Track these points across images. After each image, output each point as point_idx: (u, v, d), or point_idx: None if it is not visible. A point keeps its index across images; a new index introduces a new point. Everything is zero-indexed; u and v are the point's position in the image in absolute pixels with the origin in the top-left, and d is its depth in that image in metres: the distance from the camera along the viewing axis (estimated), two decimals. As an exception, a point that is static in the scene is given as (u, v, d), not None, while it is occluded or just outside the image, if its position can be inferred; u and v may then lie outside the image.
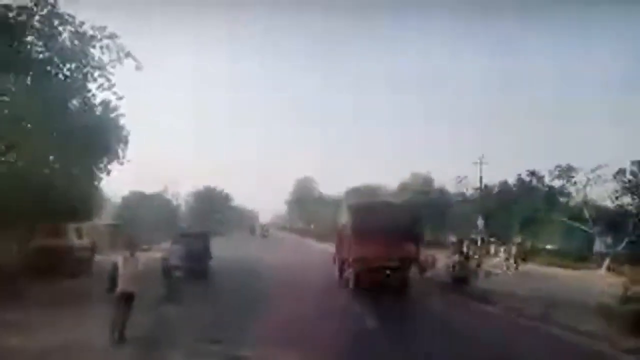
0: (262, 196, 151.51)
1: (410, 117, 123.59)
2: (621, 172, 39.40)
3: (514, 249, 35.58)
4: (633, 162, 39.20)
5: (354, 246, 17.47)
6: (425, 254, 24.69)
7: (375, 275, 17.36)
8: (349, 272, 18.24)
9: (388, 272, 17.30)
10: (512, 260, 30.40)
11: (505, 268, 28.83)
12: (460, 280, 19.65)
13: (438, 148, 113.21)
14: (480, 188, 49.25)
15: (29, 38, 19.01)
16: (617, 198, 40.18)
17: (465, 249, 22.65)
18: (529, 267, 30.71)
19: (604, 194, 40.77)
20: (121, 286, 9.77)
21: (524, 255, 34.58)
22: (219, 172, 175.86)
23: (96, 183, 24.85)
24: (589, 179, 40.59)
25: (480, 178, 48.36)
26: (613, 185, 40.01)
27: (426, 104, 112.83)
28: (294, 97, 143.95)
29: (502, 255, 37.92)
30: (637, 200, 39.40)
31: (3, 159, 20.32)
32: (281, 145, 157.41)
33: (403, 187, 59.98)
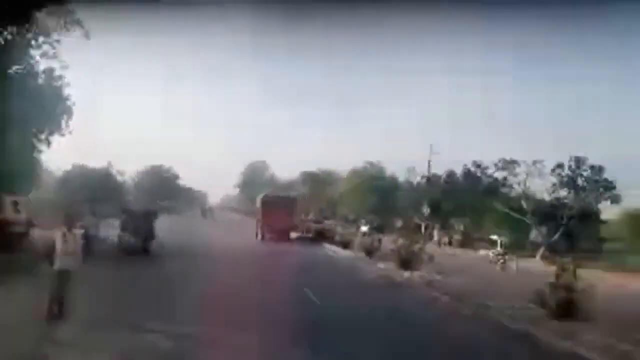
0: (214, 178, 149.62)
1: (370, 105, 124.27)
2: (560, 166, 41.51)
3: (455, 236, 37.19)
4: (571, 158, 41.36)
5: (260, 217, 36.13)
6: (372, 237, 27.40)
7: (270, 232, 34.54)
8: (258, 231, 35.94)
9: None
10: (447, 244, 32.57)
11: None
12: (405, 262, 20.33)
13: (391, 136, 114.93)
14: (428, 177, 50.60)
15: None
16: (554, 191, 42.44)
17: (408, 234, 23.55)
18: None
19: (542, 187, 42.97)
20: (59, 263, 9.49)
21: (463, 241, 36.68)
22: (170, 152, 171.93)
23: (36, 154, 23.79)
24: (528, 172, 42.60)
25: (429, 166, 49.68)
26: (551, 179, 42.20)
27: (387, 92, 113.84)
28: (255, 75, 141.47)
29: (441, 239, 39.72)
30: (572, 194, 41.72)
31: None
32: (238, 127, 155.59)
33: (356, 173, 60.82)
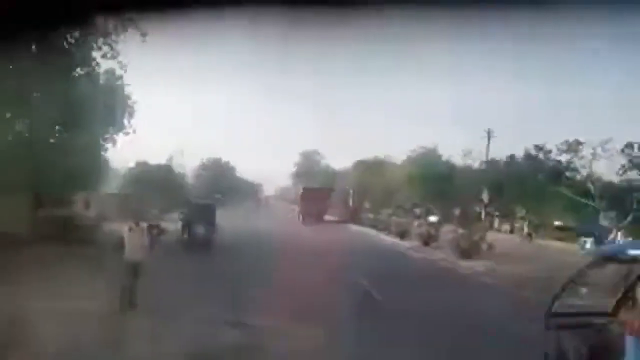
0: (269, 169, 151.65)
1: (416, 89, 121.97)
2: (629, 146, 39.05)
3: (525, 225, 36.00)
4: (642, 137, 38.83)
5: (299, 206, 45.81)
6: (427, 226, 26.74)
7: (307, 216, 41.16)
8: (299, 215, 43.52)
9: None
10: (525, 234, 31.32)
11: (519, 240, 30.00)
12: (465, 252, 19.84)
13: (445, 120, 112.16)
14: (486, 161, 48.95)
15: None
16: (623, 173, 40.01)
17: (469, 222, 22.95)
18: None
19: (610, 169, 40.64)
20: (128, 255, 9.90)
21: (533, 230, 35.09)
22: (225, 144, 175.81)
23: (102, 153, 24.93)
24: (595, 154, 40.37)
25: (487, 151, 48.00)
26: (620, 160, 39.79)
27: (433, 76, 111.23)
28: (299, 70, 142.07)
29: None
30: (643, 175, 39.23)
31: (10, 129, 20.34)
32: (288, 118, 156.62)
33: (410, 160, 59.77)
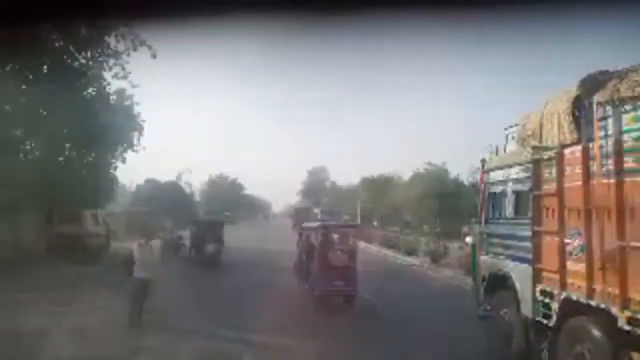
0: (276, 186, 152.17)
1: (424, 107, 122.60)
2: None
3: None
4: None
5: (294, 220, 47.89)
6: (437, 244, 26.29)
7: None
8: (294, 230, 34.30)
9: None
10: None
11: None
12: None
13: (453, 138, 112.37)
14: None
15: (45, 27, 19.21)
16: None
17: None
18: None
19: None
20: (137, 272, 9.96)
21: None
22: (233, 162, 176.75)
23: (112, 170, 25.21)
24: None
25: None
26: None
27: (440, 94, 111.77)
28: (306, 87, 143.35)
29: None
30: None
31: (22, 147, 20.65)
32: (296, 135, 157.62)
33: (417, 177, 59.62)
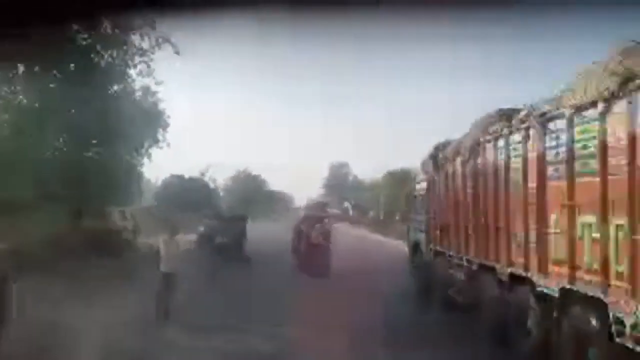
0: (299, 181, 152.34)
1: (443, 101, 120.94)
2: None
3: None
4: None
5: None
6: None
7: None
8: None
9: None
10: None
11: None
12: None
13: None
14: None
15: (72, 27, 19.53)
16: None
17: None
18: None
19: None
20: (163, 267, 10.13)
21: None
22: (256, 157, 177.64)
23: (138, 167, 25.56)
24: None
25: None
26: None
27: (458, 86, 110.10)
28: (327, 80, 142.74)
29: None
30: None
31: (50, 144, 21.10)
32: (318, 130, 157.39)
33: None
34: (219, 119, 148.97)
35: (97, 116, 19.98)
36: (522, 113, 8.08)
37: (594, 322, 5.96)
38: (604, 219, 5.81)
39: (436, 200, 12.63)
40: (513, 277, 8.13)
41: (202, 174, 53.81)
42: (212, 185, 57.04)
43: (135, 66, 21.21)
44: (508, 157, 8.45)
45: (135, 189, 26.61)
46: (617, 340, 5.41)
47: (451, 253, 11.09)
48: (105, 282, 14.15)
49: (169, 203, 40.64)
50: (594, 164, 6.02)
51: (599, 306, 5.83)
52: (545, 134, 7.21)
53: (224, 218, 23.85)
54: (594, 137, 6.01)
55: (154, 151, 24.37)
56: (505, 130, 8.55)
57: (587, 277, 6.15)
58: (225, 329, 9.61)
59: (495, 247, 8.84)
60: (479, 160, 9.70)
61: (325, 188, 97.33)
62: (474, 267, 9.73)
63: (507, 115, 8.88)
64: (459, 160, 10.79)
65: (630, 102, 5.39)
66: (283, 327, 9.60)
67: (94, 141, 22.07)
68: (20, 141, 18.57)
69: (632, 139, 5.35)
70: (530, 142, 7.66)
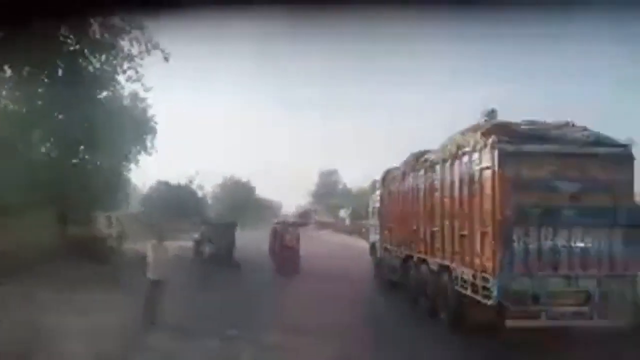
0: (287, 188, 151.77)
1: (436, 109, 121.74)
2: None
3: None
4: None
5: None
6: None
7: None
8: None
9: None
10: None
11: None
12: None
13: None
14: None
15: (60, 31, 19.43)
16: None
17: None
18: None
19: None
20: (150, 273, 10.07)
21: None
22: (244, 165, 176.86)
23: (125, 173, 25.46)
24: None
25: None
26: None
27: (454, 96, 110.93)
28: (317, 90, 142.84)
29: None
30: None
31: (37, 149, 20.92)
32: (307, 138, 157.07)
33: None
34: (209, 125, 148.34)
35: (85, 122, 19.90)
36: (421, 158, 13.42)
37: (447, 278, 10.93)
38: (449, 222, 11.06)
39: (384, 211, 17.40)
40: (420, 260, 12.92)
41: (190, 181, 53.53)
42: (199, 192, 56.73)
43: (124, 72, 21.17)
44: (416, 184, 13.47)
45: (122, 195, 26.46)
46: (456, 287, 10.27)
47: (393, 248, 15.90)
48: (89, 287, 14.03)
49: (156, 209, 40.37)
50: (445, 191, 11.26)
51: (449, 270, 10.79)
52: (432, 172, 12.23)
53: (213, 224, 23.75)
54: (446, 176, 11.25)
55: (142, 157, 24.33)
56: (414, 167, 13.83)
57: (443, 254, 11.29)
58: (212, 334, 9.57)
59: (411, 243, 13.68)
60: (404, 185, 14.72)
61: (314, 196, 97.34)
62: (402, 257, 14.56)
63: (417, 157, 14.01)
64: (395, 183, 15.92)
65: (457, 160, 10.63)
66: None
67: (82, 147, 21.95)
68: (6, 146, 18.39)
69: (456, 179, 10.73)
70: (425, 176, 12.72)
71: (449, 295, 10.60)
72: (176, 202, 43.47)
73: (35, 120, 19.32)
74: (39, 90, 19.46)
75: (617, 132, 10.06)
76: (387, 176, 17.07)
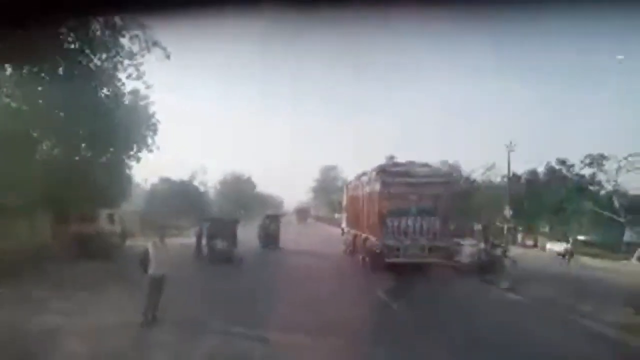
0: (289, 184, 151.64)
1: (437, 105, 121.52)
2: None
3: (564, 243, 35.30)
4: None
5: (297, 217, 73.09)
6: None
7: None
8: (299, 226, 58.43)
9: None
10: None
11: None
12: (485, 267, 19.70)
13: (465, 136, 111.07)
14: (508, 176, 48.45)
15: (61, 29, 19.47)
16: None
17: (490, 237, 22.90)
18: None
19: (637, 183, 39.85)
20: (152, 270, 10.15)
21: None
22: (246, 160, 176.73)
23: (127, 170, 25.55)
24: (620, 167, 39.71)
25: (509, 166, 47.64)
26: (646, 174, 39.07)
27: (451, 92, 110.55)
28: (319, 87, 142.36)
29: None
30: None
31: (38, 147, 21.01)
32: (307, 134, 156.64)
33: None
34: (210, 121, 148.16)
35: (86, 119, 19.96)
36: (360, 176, 23.97)
37: (370, 245, 20.69)
38: (366, 215, 21.97)
39: (347, 207, 27.59)
40: (358, 235, 23.11)
41: (192, 177, 53.61)
42: (202, 188, 56.80)
43: (125, 69, 21.24)
44: (356, 193, 24.31)
45: (125, 192, 26.55)
46: (370, 246, 20.55)
47: (350, 230, 25.48)
48: (91, 284, 14.14)
49: (158, 206, 40.46)
50: (365, 199, 22.44)
51: (367, 238, 21.26)
52: (360, 187, 23.35)
53: (215, 221, 23.82)
54: (364, 191, 22.56)
55: (143, 154, 24.40)
56: (356, 182, 25.00)
57: (366, 231, 21.53)
58: (213, 331, 9.67)
59: (359, 226, 22.89)
60: (354, 192, 25.16)
61: (313, 192, 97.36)
62: (353, 234, 24.40)
63: (359, 176, 24.20)
64: (350, 190, 26.57)
65: (367, 183, 22.24)
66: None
67: (83, 144, 22.04)
68: (8, 144, 18.48)
69: (367, 193, 22.11)
70: (359, 188, 23.74)
71: (367, 250, 20.70)
72: (179, 199, 43.54)
73: (37, 118, 19.39)
74: (40, 88, 19.54)
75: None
76: (348, 185, 28.53)
